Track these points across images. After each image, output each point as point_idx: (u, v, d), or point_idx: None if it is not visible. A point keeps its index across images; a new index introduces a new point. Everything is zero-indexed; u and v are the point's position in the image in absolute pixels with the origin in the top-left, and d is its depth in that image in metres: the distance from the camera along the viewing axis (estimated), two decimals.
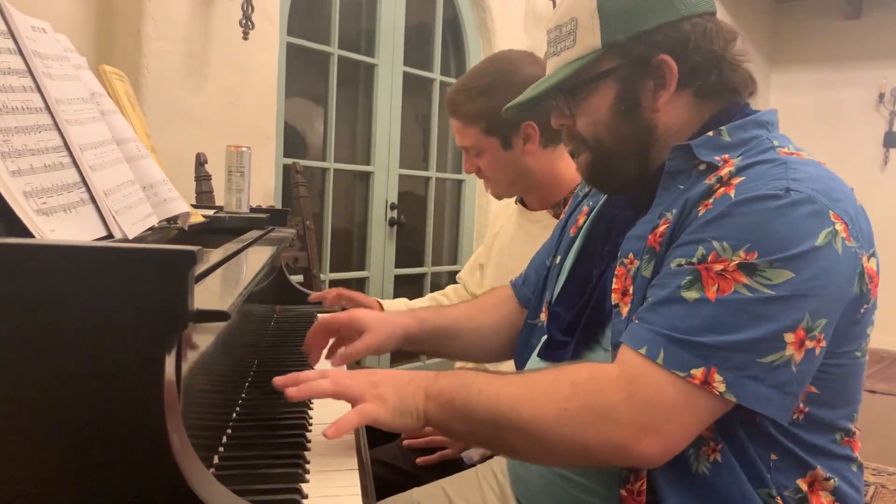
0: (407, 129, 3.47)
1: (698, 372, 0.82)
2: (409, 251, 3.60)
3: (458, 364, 1.60)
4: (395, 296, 3.48)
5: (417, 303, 1.77)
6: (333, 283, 3.15)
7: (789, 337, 0.82)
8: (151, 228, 0.99)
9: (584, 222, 1.16)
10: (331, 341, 1.17)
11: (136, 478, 0.58)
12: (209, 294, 0.73)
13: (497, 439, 0.90)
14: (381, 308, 1.64)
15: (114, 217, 0.88)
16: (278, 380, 0.90)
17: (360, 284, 3.37)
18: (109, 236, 0.86)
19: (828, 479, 0.91)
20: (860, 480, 0.97)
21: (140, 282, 0.58)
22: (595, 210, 1.16)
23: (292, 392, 0.87)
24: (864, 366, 0.95)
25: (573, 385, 0.86)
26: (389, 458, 1.48)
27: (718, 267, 0.84)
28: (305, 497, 0.77)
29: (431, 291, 3.60)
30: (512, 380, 0.91)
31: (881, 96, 6.00)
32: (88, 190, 0.86)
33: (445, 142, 3.80)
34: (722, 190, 0.88)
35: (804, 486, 0.91)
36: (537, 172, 1.55)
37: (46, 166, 0.81)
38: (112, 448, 0.58)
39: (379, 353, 1.13)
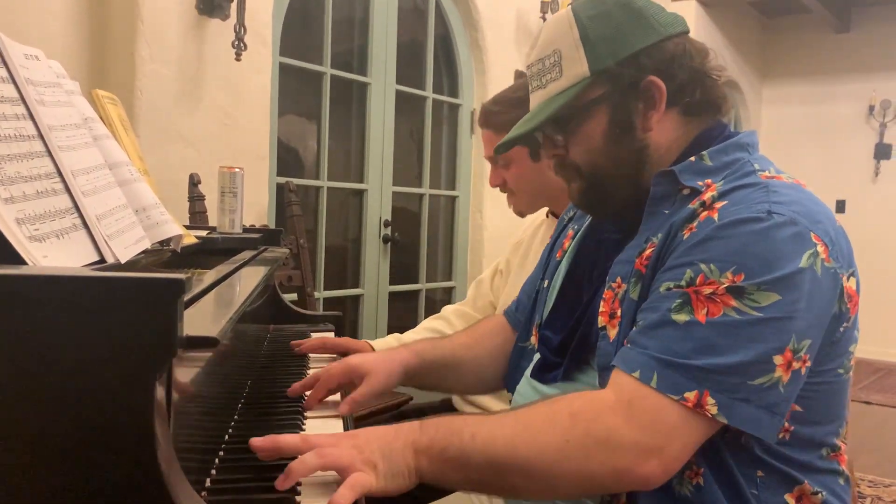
0: (400, 147, 3.48)
1: (691, 395, 0.83)
2: (403, 268, 3.61)
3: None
4: (390, 312, 3.49)
5: (409, 335, 1.75)
6: (328, 301, 3.15)
7: (778, 359, 0.83)
8: (144, 251, 0.99)
9: (570, 245, 1.17)
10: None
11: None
12: (200, 319, 0.74)
13: (497, 483, 0.87)
14: (372, 349, 1.62)
15: (106, 242, 0.88)
16: (256, 441, 0.84)
17: (354, 302, 3.37)
18: (102, 261, 0.86)
19: (815, 494, 0.92)
20: (848, 494, 0.98)
21: (130, 310, 0.58)
22: (580, 233, 1.16)
23: (280, 483, 0.79)
24: (849, 383, 0.96)
25: (571, 415, 0.85)
26: None
27: (708, 290, 0.85)
28: None
29: (426, 307, 3.64)
30: (505, 419, 0.88)
31: (871, 108, 6.05)
32: (81, 215, 0.87)
33: (438, 159, 3.82)
34: (705, 214, 0.90)
35: (792, 502, 0.92)
36: (559, 186, 1.57)
37: (39, 193, 0.81)
38: (102, 474, 0.59)
39: (383, 394, 1.11)
